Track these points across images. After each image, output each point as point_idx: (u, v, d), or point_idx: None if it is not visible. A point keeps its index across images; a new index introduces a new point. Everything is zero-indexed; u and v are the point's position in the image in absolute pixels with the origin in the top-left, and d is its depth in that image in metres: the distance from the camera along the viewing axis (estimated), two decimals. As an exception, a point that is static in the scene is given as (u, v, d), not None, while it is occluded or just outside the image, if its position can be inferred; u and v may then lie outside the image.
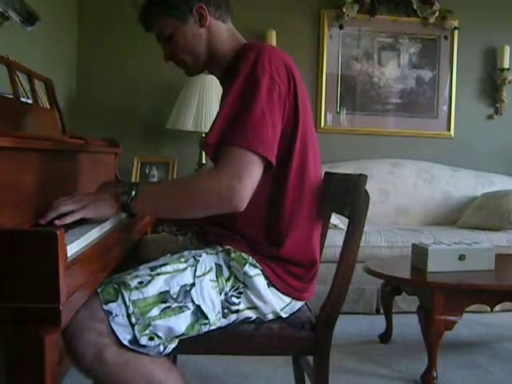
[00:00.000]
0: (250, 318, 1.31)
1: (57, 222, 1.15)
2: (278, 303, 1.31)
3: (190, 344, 1.26)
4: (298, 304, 1.38)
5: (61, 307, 0.88)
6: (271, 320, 1.35)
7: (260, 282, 1.28)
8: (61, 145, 1.45)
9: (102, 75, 3.55)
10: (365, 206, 1.33)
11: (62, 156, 1.44)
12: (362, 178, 1.33)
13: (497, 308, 2.40)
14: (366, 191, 1.33)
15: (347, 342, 2.54)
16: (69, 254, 0.96)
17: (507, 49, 3.78)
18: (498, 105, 3.89)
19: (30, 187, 1.21)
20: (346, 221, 1.37)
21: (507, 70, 3.79)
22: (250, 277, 1.26)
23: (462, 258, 2.29)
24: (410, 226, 3.37)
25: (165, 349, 1.18)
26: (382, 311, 2.71)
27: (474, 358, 2.40)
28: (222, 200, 1.16)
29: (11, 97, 1.44)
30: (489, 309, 2.25)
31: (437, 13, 3.71)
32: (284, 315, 1.35)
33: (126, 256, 1.39)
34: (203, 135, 3.35)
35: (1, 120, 1.28)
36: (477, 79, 3.90)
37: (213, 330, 1.26)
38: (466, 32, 3.80)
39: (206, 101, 3.23)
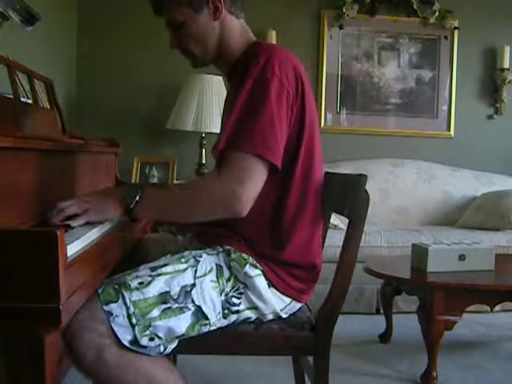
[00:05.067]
0: (250, 318, 1.31)
1: (71, 223, 1.18)
2: (278, 303, 1.31)
3: (190, 344, 1.26)
4: (298, 305, 1.38)
5: (61, 307, 0.88)
6: (271, 320, 1.35)
7: (260, 282, 1.28)
8: (61, 145, 1.45)
9: (102, 75, 3.55)
10: (365, 206, 1.33)
11: (61, 156, 1.44)
12: (362, 178, 1.33)
13: (497, 308, 2.40)
14: (366, 191, 1.33)
15: (347, 342, 2.54)
16: (69, 254, 0.96)
17: (507, 49, 3.77)
18: (498, 105, 3.89)
19: (30, 187, 1.21)
20: (346, 221, 1.37)
21: (507, 70, 3.79)
22: (251, 277, 1.26)
23: (462, 258, 2.29)
24: (410, 226, 3.37)
25: (165, 349, 1.18)
26: (382, 311, 2.71)
27: (474, 358, 2.40)
28: (225, 206, 1.18)
29: (11, 97, 1.44)
30: (489, 309, 2.25)
31: (437, 13, 3.71)
32: (284, 315, 1.35)
33: (125, 256, 1.39)
34: (203, 135, 3.35)
35: (1, 120, 1.28)
36: (477, 79, 3.90)
37: (213, 330, 1.26)
38: (466, 32, 3.80)
39: (206, 101, 3.23)
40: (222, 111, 3.24)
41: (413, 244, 2.40)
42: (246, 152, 1.17)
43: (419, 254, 2.31)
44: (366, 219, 1.34)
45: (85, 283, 1.03)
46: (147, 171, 3.47)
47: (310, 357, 1.41)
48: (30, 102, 1.62)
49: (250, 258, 1.27)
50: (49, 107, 1.79)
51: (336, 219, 3.01)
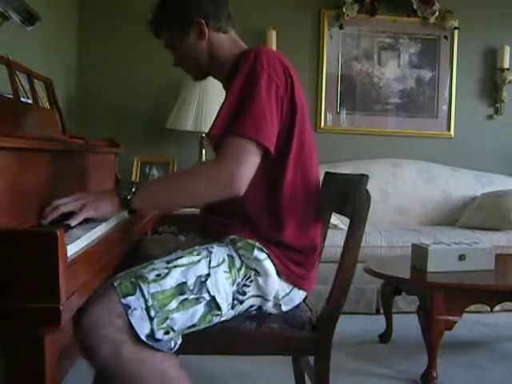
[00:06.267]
0: (253, 305, 1.34)
1: (70, 222, 1.17)
2: (280, 290, 1.34)
3: (190, 344, 1.26)
4: (297, 295, 1.39)
5: (61, 307, 0.88)
6: (271, 319, 1.35)
7: (269, 265, 1.31)
8: (61, 145, 1.45)
9: (102, 75, 3.55)
10: (366, 206, 1.33)
11: (61, 156, 1.44)
12: (363, 178, 1.33)
13: (497, 308, 2.40)
14: (368, 191, 1.33)
15: (347, 342, 2.53)
16: (69, 254, 0.96)
17: (507, 49, 3.77)
18: (498, 105, 3.89)
19: (30, 187, 1.20)
20: (346, 221, 1.37)
21: (507, 69, 3.79)
22: (260, 261, 1.30)
23: (462, 258, 2.29)
24: (410, 226, 3.37)
25: (175, 345, 1.20)
26: (382, 311, 2.71)
27: (474, 358, 2.40)
28: (222, 185, 1.23)
29: (11, 97, 1.44)
30: (489, 309, 2.25)
31: (437, 13, 3.71)
32: (284, 307, 1.36)
33: (126, 256, 1.39)
34: (203, 135, 3.35)
35: (1, 120, 1.28)
36: (477, 79, 3.90)
37: (216, 324, 1.28)
38: (466, 32, 3.80)
39: (206, 101, 3.23)
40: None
41: (413, 244, 2.40)
42: (239, 136, 1.24)
43: (419, 254, 2.31)
44: (367, 219, 1.34)
45: (85, 283, 1.03)
46: (147, 171, 3.47)
47: (311, 357, 1.41)
48: (30, 101, 1.62)
49: (256, 242, 1.31)
50: (49, 107, 1.79)
51: (336, 219, 3.01)
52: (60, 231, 0.90)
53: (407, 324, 2.67)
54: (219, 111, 1.30)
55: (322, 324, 1.36)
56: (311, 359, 1.42)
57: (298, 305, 1.45)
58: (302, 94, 1.38)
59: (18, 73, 1.53)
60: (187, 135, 3.48)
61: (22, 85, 1.66)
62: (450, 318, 2.10)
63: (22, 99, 1.54)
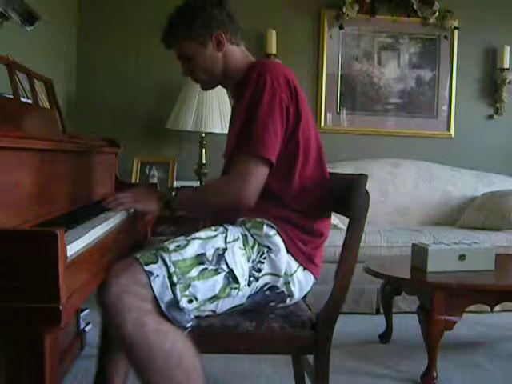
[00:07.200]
0: (268, 283, 1.38)
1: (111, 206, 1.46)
2: (288, 266, 1.38)
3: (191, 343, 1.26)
4: (304, 277, 1.41)
5: (61, 307, 0.88)
6: (271, 318, 1.36)
7: (279, 240, 1.38)
8: (61, 145, 1.45)
9: (102, 75, 3.55)
10: (365, 206, 1.34)
11: (61, 156, 1.45)
12: (362, 178, 1.33)
13: (497, 308, 2.40)
14: (367, 191, 1.33)
15: (347, 342, 2.53)
16: (69, 254, 0.96)
17: (507, 49, 3.77)
18: (498, 105, 3.88)
19: (30, 187, 1.21)
20: (346, 221, 1.37)
21: (507, 69, 3.79)
22: (270, 236, 1.38)
23: (461, 258, 2.29)
24: (410, 226, 3.36)
25: (190, 324, 1.24)
26: (382, 311, 2.71)
27: (474, 358, 2.40)
28: (234, 200, 1.38)
29: (11, 97, 1.44)
30: (489, 309, 2.25)
31: (437, 13, 3.70)
32: (293, 287, 1.39)
33: (128, 255, 1.39)
34: (203, 135, 3.35)
35: (1, 120, 1.28)
36: (477, 79, 3.90)
37: (234, 307, 1.34)
38: (466, 32, 3.80)
39: (205, 101, 3.23)
40: (222, 112, 3.33)
41: (413, 244, 2.40)
42: (246, 154, 1.37)
43: (419, 254, 2.31)
44: (366, 219, 1.34)
45: (85, 283, 1.03)
46: (147, 171, 3.47)
47: (310, 356, 1.41)
48: (30, 102, 1.62)
49: (264, 220, 1.39)
50: (49, 107, 1.80)
51: (336, 219, 3.01)
52: (60, 231, 0.90)
53: (407, 324, 2.67)
54: (231, 130, 1.47)
55: (321, 323, 1.36)
56: (311, 359, 1.42)
57: (298, 303, 1.45)
58: (307, 104, 1.47)
59: (17, 73, 1.53)
60: (187, 135, 3.48)
61: (22, 85, 1.66)
62: (450, 318, 2.10)
63: (22, 99, 1.55)
